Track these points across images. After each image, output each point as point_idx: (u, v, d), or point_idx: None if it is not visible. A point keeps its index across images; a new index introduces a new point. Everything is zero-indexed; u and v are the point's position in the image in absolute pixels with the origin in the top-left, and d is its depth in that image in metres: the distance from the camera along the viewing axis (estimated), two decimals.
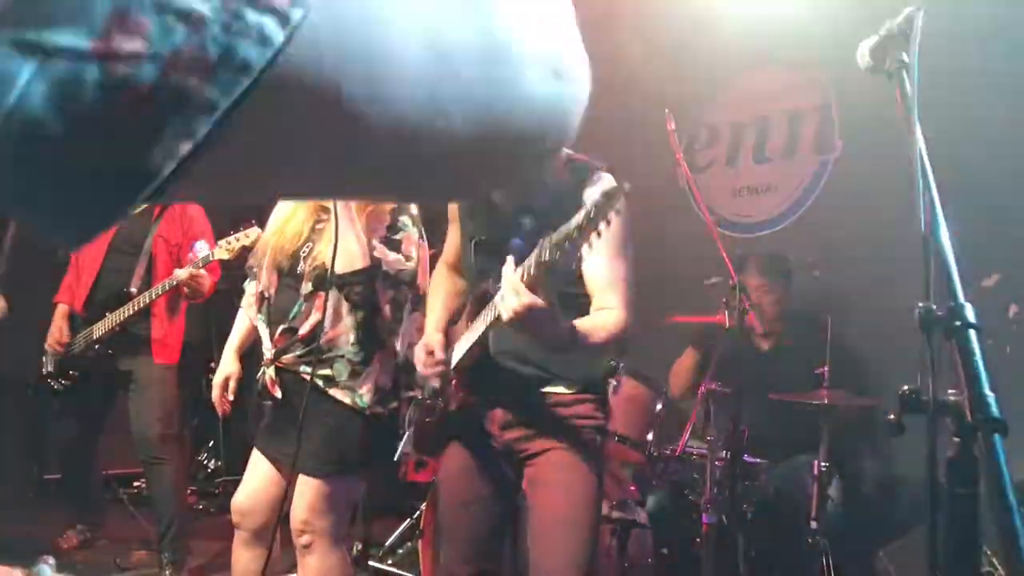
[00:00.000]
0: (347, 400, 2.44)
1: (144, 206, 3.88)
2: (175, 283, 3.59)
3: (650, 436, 3.51)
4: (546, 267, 1.71)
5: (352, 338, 2.45)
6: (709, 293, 3.69)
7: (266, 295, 2.56)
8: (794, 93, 4.51)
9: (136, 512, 4.33)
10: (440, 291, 2.39)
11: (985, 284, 3.72)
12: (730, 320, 3.18)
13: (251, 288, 2.68)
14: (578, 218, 1.69)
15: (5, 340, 4.51)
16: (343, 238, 2.33)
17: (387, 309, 2.46)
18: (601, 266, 2.04)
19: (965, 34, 3.69)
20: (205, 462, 5.90)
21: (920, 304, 0.93)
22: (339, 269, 2.33)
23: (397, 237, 2.48)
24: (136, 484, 5.04)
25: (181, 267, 3.64)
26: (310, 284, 2.44)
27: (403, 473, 5.35)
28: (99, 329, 3.76)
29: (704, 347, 3.74)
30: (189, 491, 4.76)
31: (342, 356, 2.45)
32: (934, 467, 0.90)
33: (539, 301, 1.75)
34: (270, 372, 2.51)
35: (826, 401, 3.21)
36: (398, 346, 2.53)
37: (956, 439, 0.87)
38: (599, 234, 1.69)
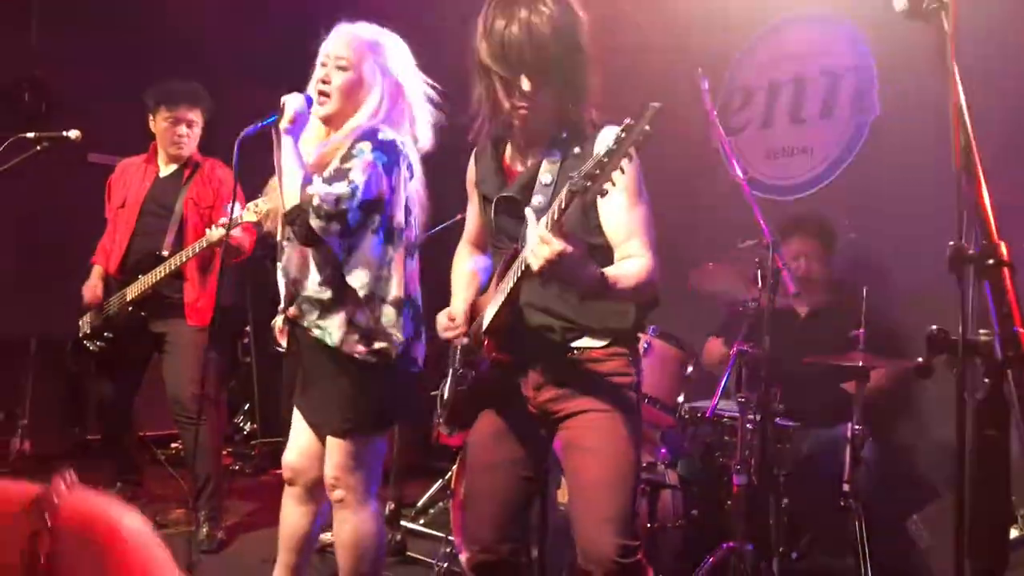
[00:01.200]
0: (318, 336, 2.43)
1: (174, 169, 3.95)
2: (205, 245, 3.62)
3: (680, 398, 3.50)
4: (573, 205, 1.67)
5: (319, 278, 2.44)
6: (742, 256, 3.64)
7: (282, 245, 2.57)
8: (832, 51, 4.40)
9: (174, 472, 4.41)
10: (464, 269, 2.36)
11: None
12: (763, 281, 3.15)
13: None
14: (608, 143, 1.63)
15: (46, 303, 4.61)
16: (287, 177, 2.34)
17: (335, 242, 2.35)
18: (620, 214, 1.99)
19: None
20: (241, 424, 6.00)
21: (951, 243, 0.90)
22: (286, 206, 2.36)
23: (348, 165, 2.36)
24: (173, 446, 5.15)
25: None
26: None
27: (435, 436, 5.40)
28: (132, 292, 3.80)
29: (729, 335, 3.68)
30: (225, 452, 4.84)
31: (311, 297, 2.45)
32: (962, 410, 0.88)
33: (568, 247, 1.71)
34: (279, 321, 2.58)
35: (861, 364, 3.16)
36: (353, 277, 2.39)
37: (986, 380, 0.84)
38: (631, 158, 1.63)
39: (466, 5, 2.17)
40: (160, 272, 3.73)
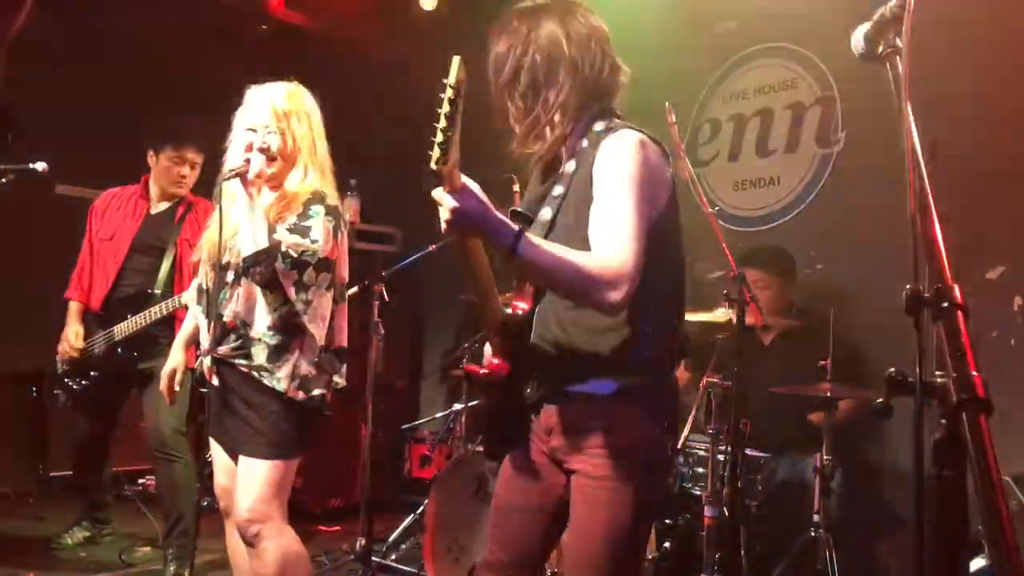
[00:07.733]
0: (266, 382, 2.50)
1: (166, 207, 3.90)
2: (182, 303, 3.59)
3: None
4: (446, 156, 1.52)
5: (268, 322, 2.52)
6: (711, 287, 3.67)
7: (204, 288, 2.64)
8: (797, 85, 4.49)
9: (144, 509, 4.33)
10: None
11: (990, 276, 3.71)
12: (731, 313, 3.18)
13: (195, 281, 2.79)
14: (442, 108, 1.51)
15: (9, 339, 4.53)
16: (245, 224, 2.46)
17: (291, 290, 2.50)
18: (598, 207, 1.76)
19: (972, 21, 3.67)
20: (210, 459, 5.89)
21: (907, 286, 0.93)
22: (244, 252, 2.46)
23: (307, 223, 2.55)
24: (142, 481, 5.05)
25: None
26: (232, 273, 2.55)
27: (407, 469, 5.37)
28: (121, 331, 3.77)
29: (694, 367, 3.72)
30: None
31: (259, 340, 2.52)
32: (920, 449, 0.90)
33: (460, 201, 1.59)
34: (207, 361, 2.59)
35: (828, 394, 3.19)
36: (313, 329, 2.55)
37: (943, 421, 0.86)
38: (456, 105, 1.49)
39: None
40: (154, 313, 3.71)
